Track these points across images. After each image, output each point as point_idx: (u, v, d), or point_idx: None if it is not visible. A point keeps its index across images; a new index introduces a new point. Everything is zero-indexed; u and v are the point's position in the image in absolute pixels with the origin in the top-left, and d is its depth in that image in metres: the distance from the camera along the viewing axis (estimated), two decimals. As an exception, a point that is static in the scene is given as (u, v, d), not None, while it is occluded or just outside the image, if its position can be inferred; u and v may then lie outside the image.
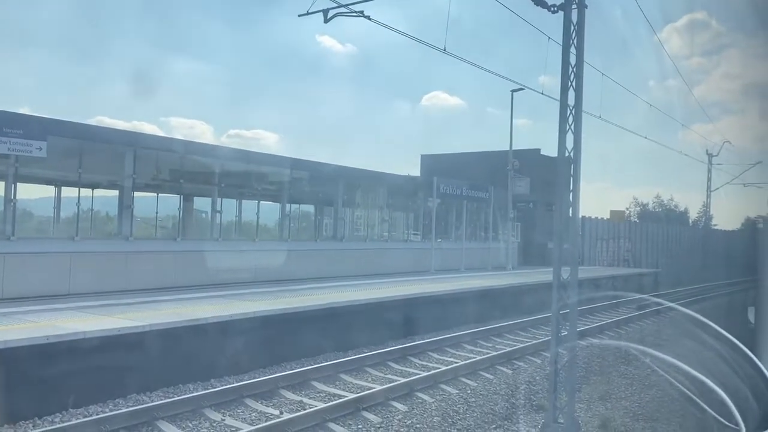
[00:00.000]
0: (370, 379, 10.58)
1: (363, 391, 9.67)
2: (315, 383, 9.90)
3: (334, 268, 17.51)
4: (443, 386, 10.28)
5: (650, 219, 54.08)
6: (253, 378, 9.74)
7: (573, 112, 8.28)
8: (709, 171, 40.67)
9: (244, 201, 19.96)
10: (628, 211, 58.11)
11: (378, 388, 9.77)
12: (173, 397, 8.61)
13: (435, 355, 12.64)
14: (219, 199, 15.65)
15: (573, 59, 8.36)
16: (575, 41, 8.25)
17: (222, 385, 9.25)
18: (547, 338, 15.26)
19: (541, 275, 23.55)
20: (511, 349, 13.33)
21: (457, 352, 13.13)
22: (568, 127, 8.28)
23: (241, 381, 9.56)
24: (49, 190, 18.68)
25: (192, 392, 8.91)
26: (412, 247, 22.21)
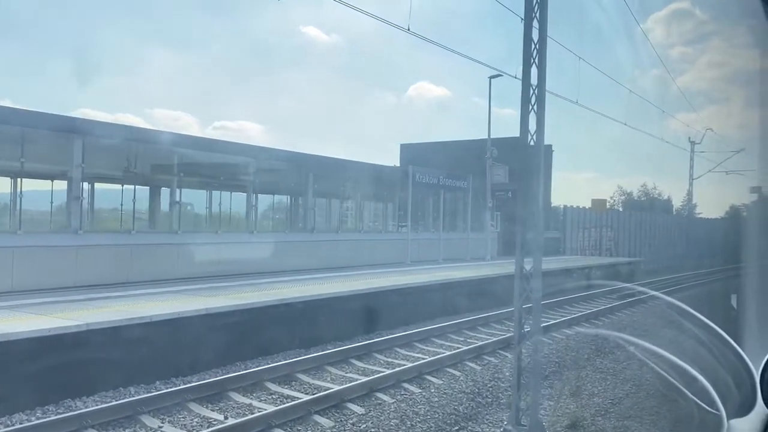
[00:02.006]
0: (329, 379, 10.00)
1: (320, 392, 9.10)
2: (268, 384, 9.31)
3: (304, 261, 16.87)
4: (406, 385, 9.72)
5: (635, 208, 53.91)
6: (202, 380, 9.14)
7: (536, 92, 7.69)
8: (692, 159, 40.48)
9: (215, 192, 19.26)
10: (612, 200, 58.00)
11: (336, 388, 9.21)
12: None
13: (402, 351, 12.08)
14: (178, 190, 14.91)
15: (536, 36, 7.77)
16: (538, 15, 7.65)
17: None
18: (524, 330, 14.88)
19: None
20: (482, 343, 12.81)
21: (425, 347, 12.58)
22: (530, 107, 7.69)
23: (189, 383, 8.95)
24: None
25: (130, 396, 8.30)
26: (388, 239, 21.64)
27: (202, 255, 14.30)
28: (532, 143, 7.67)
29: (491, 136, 26.62)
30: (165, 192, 18.34)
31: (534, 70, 7.65)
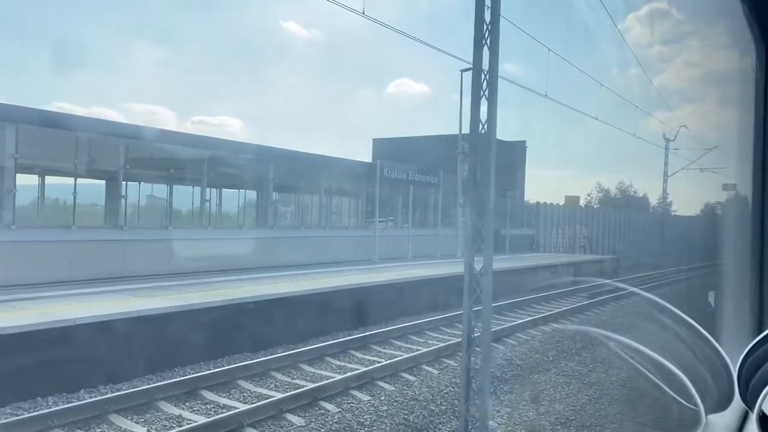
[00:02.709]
0: (273, 386, 9.32)
1: (259, 401, 8.41)
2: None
3: (263, 259, 16.11)
4: (354, 392, 9.07)
5: (612, 205, 53.89)
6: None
7: (488, 77, 7.06)
8: (666, 156, 40.29)
9: (182, 187, 18.38)
10: (590, 197, 57.92)
11: (278, 396, 8.53)
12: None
13: (358, 354, 11.44)
14: (124, 183, 14.07)
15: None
16: (490, -9, 7.03)
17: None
18: (474, 335, 14.28)
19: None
20: (443, 344, 12.22)
21: (384, 350, 11.96)
22: (482, 93, 7.06)
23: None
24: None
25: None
26: (354, 235, 20.95)
27: (150, 252, 13.50)
28: (483, 132, 7.04)
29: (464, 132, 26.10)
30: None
31: (486, 53, 7.02)
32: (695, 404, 1.42)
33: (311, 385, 9.05)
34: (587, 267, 27.72)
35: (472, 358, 7.04)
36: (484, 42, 6.96)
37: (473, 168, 7.20)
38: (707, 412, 1.44)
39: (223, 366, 9.72)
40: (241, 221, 18.23)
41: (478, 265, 7.14)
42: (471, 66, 22.49)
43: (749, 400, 1.25)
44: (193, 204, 16.40)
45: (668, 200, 48.36)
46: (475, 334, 7.00)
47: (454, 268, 19.76)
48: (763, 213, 2.23)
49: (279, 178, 17.85)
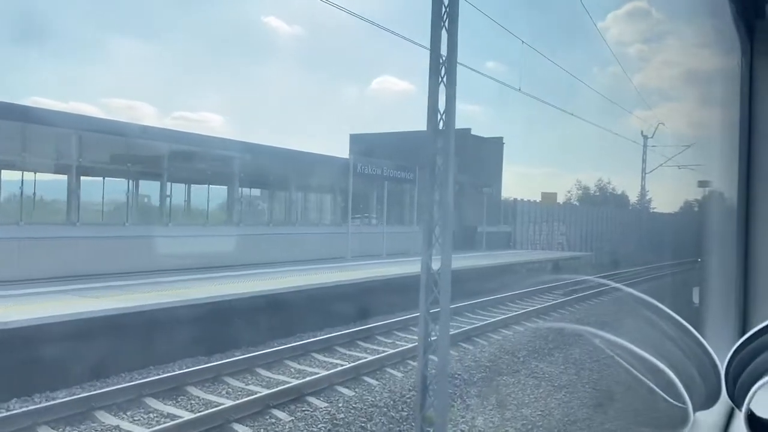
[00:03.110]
0: (224, 393, 8.79)
1: (207, 409, 7.89)
2: (148, 401, 8.04)
3: (228, 257, 15.51)
4: (310, 399, 8.57)
5: (591, 202, 53.93)
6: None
7: (446, 62, 6.59)
8: (644, 152, 40.29)
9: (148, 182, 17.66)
10: (569, 194, 57.89)
11: (228, 404, 8.01)
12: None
13: (320, 357, 10.95)
14: (76, 177, 13.38)
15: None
16: (449, -29, 6.55)
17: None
18: (454, 332, 13.83)
19: (464, 261, 22.22)
20: (412, 345, 11.75)
21: (349, 352, 11.49)
22: (440, 79, 6.59)
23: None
24: None
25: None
26: (326, 232, 20.41)
27: (107, 250, 12.86)
28: (441, 120, 6.58)
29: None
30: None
31: (444, 36, 6.55)
32: (683, 402, 1.38)
33: (264, 392, 8.56)
34: (564, 264, 27.48)
35: (431, 362, 6.58)
36: (442, 24, 6.48)
37: (431, 161, 6.74)
38: (695, 410, 1.41)
39: (155, 375, 8.86)
40: (205, 218, 17.58)
41: (435, 264, 6.67)
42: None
43: (737, 398, 1.24)
44: (151, 199, 15.74)
45: (647, 197, 48.53)
46: (432, 338, 6.53)
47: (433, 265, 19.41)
48: (748, 210, 2.20)
49: (246, 173, 17.26)
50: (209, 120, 52.38)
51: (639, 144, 38.69)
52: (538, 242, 33.62)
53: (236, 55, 52.08)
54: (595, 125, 30.86)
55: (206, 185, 17.65)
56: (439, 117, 6.57)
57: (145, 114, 49.74)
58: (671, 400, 1.42)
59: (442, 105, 6.63)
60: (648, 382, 1.49)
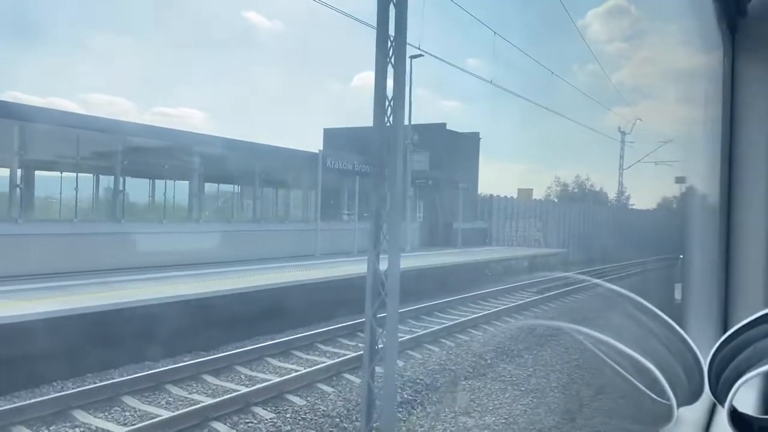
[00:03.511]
0: (164, 404, 8.12)
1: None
2: (77, 412, 7.36)
3: (187, 255, 14.76)
4: (257, 409, 7.95)
5: (571, 199, 53.83)
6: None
7: (394, 44, 5.99)
8: (622, 148, 40.15)
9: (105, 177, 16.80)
10: (549, 191, 57.71)
11: (165, 416, 7.36)
12: None
13: (275, 362, 10.32)
14: (19, 171, 12.57)
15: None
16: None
17: None
18: (420, 333, 13.28)
19: (436, 257, 21.71)
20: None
21: (308, 356, 10.88)
22: (388, 61, 5.98)
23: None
24: None
25: None
26: (293, 229, 19.71)
27: (50, 248, 12.06)
28: (389, 111, 5.98)
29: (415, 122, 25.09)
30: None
31: (393, 12, 5.94)
32: (667, 398, 1.36)
33: (207, 402, 7.92)
34: (539, 261, 27.10)
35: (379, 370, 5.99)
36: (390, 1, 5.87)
37: (378, 153, 6.13)
38: (678, 405, 1.39)
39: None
40: (162, 214, 16.75)
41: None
42: (420, 53, 21.01)
43: (719, 394, 1.24)
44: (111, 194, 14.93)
45: (626, 193, 48.53)
46: (380, 345, 5.94)
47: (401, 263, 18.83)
48: (729, 207, 2.21)
49: (206, 168, 16.51)
50: (190, 116, 51.46)
51: (616, 140, 38.54)
52: (514, 239, 33.26)
53: (217, 51, 51.08)
54: (575, 122, 30.48)
55: (165, 180, 16.85)
56: (387, 103, 5.96)
57: (124, 109, 48.54)
58: (656, 397, 1.40)
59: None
60: (632, 379, 1.44)
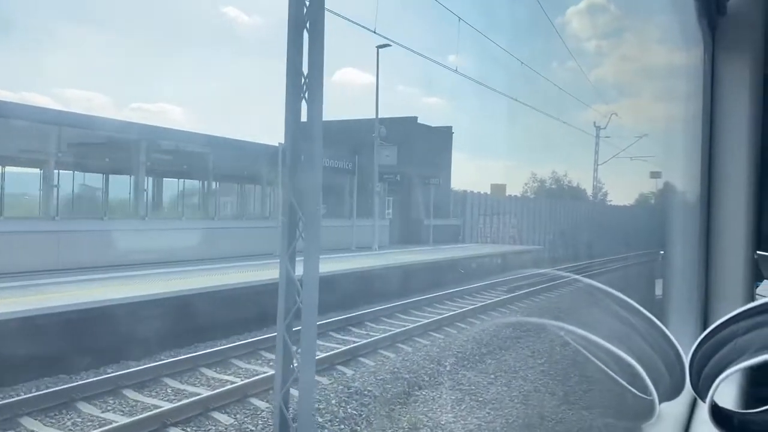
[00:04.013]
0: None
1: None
2: None
3: (129, 254, 13.67)
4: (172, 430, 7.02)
5: (549, 194, 53.49)
6: None
7: (309, 6, 5.10)
8: (597, 144, 39.62)
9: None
10: (526, 187, 57.32)
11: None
12: None
13: (208, 373, 9.38)
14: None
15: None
16: None
17: None
18: (376, 337, 12.41)
19: (403, 255, 20.91)
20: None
21: (245, 365, 9.96)
22: (304, 29, 5.09)
23: None
24: None
25: None
26: (250, 227, 18.68)
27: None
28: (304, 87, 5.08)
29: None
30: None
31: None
32: (649, 394, 1.38)
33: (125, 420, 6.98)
34: (512, 258, 26.44)
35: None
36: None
37: (291, 140, 5.24)
38: (660, 401, 1.41)
39: None
40: (103, 210, 15.63)
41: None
42: (388, 43, 20.04)
43: (700, 390, 1.26)
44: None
45: (604, 189, 48.27)
46: (294, 364, 5.05)
47: (361, 262, 17.94)
48: (710, 203, 2.22)
49: (153, 161, 15.43)
50: (168, 111, 50.54)
51: (588, 134, 38.05)
52: (489, 235, 32.58)
53: (195, 46, 49.91)
54: (555, 118, 29.89)
55: (110, 174, 15.75)
56: (302, 80, 5.07)
57: (101, 104, 47.21)
58: (638, 393, 1.39)
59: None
60: (615, 375, 1.43)
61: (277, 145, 19.64)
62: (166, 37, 46.81)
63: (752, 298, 2.10)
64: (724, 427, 1.19)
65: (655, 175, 34.86)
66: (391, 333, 12.38)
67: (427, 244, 26.67)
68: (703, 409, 1.20)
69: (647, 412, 1.38)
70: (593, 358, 1.41)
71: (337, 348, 11.06)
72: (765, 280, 2.16)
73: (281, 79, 5.06)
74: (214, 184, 18.19)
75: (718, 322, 1.20)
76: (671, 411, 1.48)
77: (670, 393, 1.41)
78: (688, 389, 1.31)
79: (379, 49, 22.73)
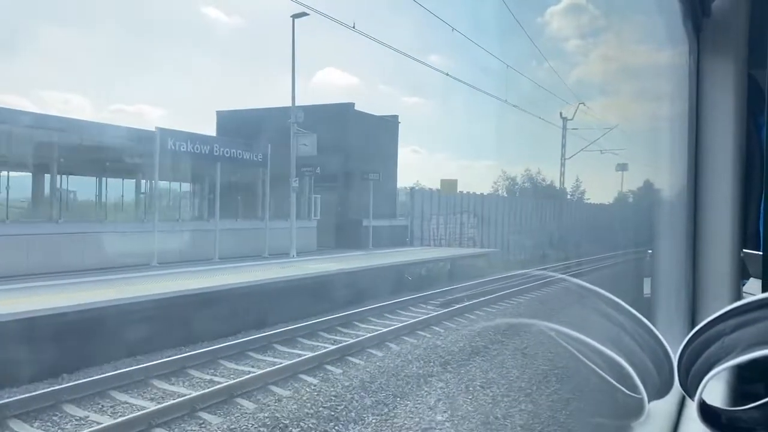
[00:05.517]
0: None
1: None
2: None
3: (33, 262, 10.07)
4: None
5: (522, 193, 50.76)
6: None
7: None
8: (564, 137, 36.16)
9: None
10: (496, 186, 54.34)
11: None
12: None
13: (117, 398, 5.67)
14: None
15: None
16: None
17: None
18: (282, 364, 9.02)
19: (324, 263, 17.38)
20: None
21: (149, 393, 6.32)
22: None
23: None
24: None
25: None
26: (114, 231, 14.88)
27: None
28: None
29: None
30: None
31: None
32: (639, 392, 1.39)
33: None
34: (464, 263, 22.89)
35: None
36: None
37: None
38: (649, 399, 1.42)
39: None
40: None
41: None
42: (306, 12, 16.86)
43: (689, 388, 1.28)
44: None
45: (581, 188, 45.72)
46: None
47: (257, 274, 14.37)
48: (696, 203, 2.23)
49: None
50: (147, 113, 48.72)
51: (557, 126, 34.84)
52: (443, 237, 29.08)
53: (175, 46, 47.36)
54: (527, 112, 26.78)
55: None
56: None
57: (79, 106, 44.67)
58: (626, 392, 1.40)
59: None
60: (604, 373, 1.44)
61: (153, 130, 15.93)
62: (144, 36, 44.19)
63: (739, 296, 2.13)
64: (713, 424, 1.20)
65: (621, 167, 31.78)
66: (291, 362, 8.95)
67: (366, 248, 23.08)
68: (691, 407, 1.22)
69: (636, 410, 1.38)
70: (581, 356, 1.40)
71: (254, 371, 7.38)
72: (751, 278, 2.16)
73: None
74: (66, 178, 14.44)
75: (706, 321, 1.21)
76: (660, 409, 1.50)
77: (659, 391, 1.43)
78: (676, 387, 1.35)
79: (295, 19, 19.19)
